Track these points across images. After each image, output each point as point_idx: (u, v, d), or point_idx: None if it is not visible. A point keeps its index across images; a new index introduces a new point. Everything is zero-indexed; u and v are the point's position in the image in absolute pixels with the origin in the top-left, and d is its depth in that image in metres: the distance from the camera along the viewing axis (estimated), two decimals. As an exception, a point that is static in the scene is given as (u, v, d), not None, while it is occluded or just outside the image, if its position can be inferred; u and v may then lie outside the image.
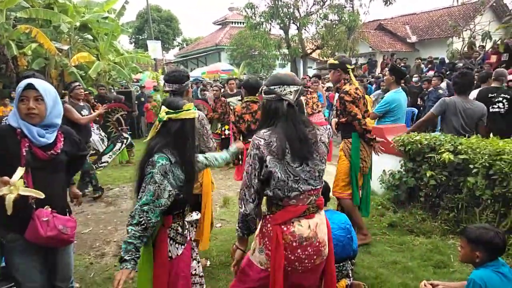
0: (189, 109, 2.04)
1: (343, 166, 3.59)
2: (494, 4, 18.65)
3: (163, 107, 2.05)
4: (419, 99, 8.99)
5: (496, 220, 3.38)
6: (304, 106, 5.44)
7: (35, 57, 10.58)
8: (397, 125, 4.57)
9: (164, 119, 1.98)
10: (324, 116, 10.13)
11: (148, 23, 23.51)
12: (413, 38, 21.08)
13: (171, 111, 2.00)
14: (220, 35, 27.94)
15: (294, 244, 1.73)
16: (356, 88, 3.47)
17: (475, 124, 4.01)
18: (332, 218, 2.61)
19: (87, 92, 6.20)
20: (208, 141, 3.03)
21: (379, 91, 8.73)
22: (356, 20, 17.48)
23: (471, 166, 3.49)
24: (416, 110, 8.65)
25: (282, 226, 1.74)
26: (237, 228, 1.85)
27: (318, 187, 1.82)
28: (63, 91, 11.15)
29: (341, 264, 2.65)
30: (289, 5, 18.32)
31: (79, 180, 5.45)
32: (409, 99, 7.51)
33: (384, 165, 4.45)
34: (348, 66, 3.50)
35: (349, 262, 2.77)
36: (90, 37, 12.77)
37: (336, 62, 3.53)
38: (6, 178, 1.79)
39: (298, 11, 18.68)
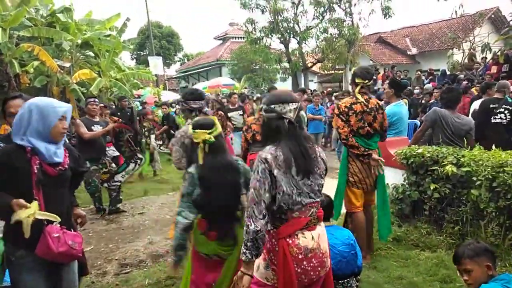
0: (217, 123, 2.33)
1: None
2: (493, 16, 18.84)
3: (199, 131, 2.26)
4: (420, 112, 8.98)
5: (501, 233, 3.33)
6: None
7: (37, 75, 10.70)
8: (399, 138, 4.56)
9: (212, 140, 2.24)
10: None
11: (150, 39, 23.87)
12: (414, 50, 21.25)
13: (212, 130, 2.26)
14: (221, 50, 28.25)
15: (300, 256, 1.75)
16: (354, 103, 3.43)
17: (463, 137, 4.12)
18: (336, 234, 2.58)
19: (101, 105, 6.26)
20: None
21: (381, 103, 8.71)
22: (356, 33, 17.64)
23: (474, 178, 3.46)
24: (418, 122, 8.63)
25: (287, 239, 1.76)
26: (244, 251, 1.71)
27: (318, 199, 1.88)
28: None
29: (346, 280, 2.60)
30: (289, 20, 18.55)
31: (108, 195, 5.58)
32: (411, 111, 7.52)
33: (387, 179, 4.39)
34: (358, 80, 3.46)
35: (354, 278, 2.72)
36: (91, 54, 12.94)
37: (352, 73, 3.63)
38: (22, 201, 1.85)
39: (298, 26, 18.91)
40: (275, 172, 1.72)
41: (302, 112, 2.05)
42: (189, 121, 3.43)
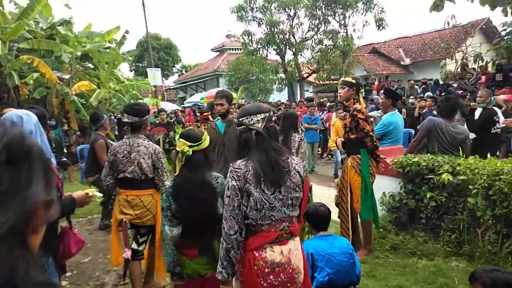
0: (206, 139, 2.26)
1: (358, 182, 3.74)
2: (484, 26, 19.17)
3: (182, 141, 2.20)
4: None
5: (499, 241, 3.37)
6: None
7: (36, 86, 10.77)
8: (395, 147, 4.62)
9: (189, 153, 2.17)
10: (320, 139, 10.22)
11: (148, 51, 24.06)
12: (407, 61, 21.51)
13: (193, 144, 2.19)
14: (218, 61, 28.43)
15: (266, 270, 1.73)
16: (365, 108, 3.74)
17: (458, 146, 4.18)
18: (335, 243, 2.60)
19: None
20: (163, 175, 3.13)
21: (378, 112, 8.75)
22: (350, 44, 17.90)
23: (471, 186, 3.51)
24: (412, 131, 8.72)
25: (254, 252, 1.75)
26: (220, 270, 1.76)
27: (291, 214, 1.84)
28: (63, 119, 11.32)
29: (345, 289, 2.62)
30: (285, 32, 18.82)
31: (102, 208, 5.25)
32: (406, 120, 7.61)
33: (383, 187, 4.46)
34: (361, 88, 3.76)
35: (353, 287, 2.73)
36: (91, 66, 13.05)
37: (353, 81, 3.74)
38: (84, 190, 2.17)
39: (294, 37, 19.17)
40: (246, 187, 1.73)
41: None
42: (125, 136, 3.27)
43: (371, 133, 3.62)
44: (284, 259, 1.77)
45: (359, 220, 3.92)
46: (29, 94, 10.54)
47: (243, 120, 1.84)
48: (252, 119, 1.82)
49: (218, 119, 3.92)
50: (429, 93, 11.27)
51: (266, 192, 1.74)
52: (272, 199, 1.75)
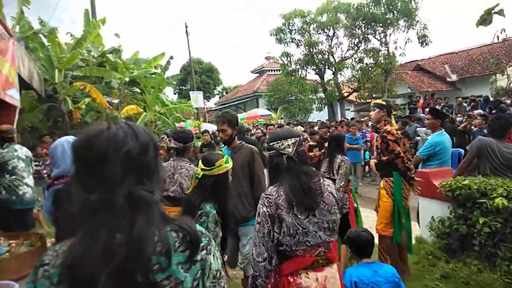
0: (221, 165, 2.23)
1: (387, 204, 3.72)
2: (539, 39, 18.03)
3: (200, 163, 2.27)
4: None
5: None
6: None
7: (88, 111, 11.53)
8: (443, 168, 4.40)
9: (200, 176, 2.20)
10: (365, 158, 9.95)
11: (191, 75, 25.09)
12: (454, 77, 20.64)
13: (206, 168, 2.22)
14: (257, 82, 28.97)
15: None
16: (396, 129, 3.71)
17: None
18: (379, 271, 2.50)
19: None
20: None
21: (428, 130, 8.32)
22: (392, 62, 17.55)
23: (530, 212, 3.24)
24: (462, 151, 8.26)
25: (289, 277, 1.72)
26: None
27: (328, 240, 1.78)
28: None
29: (391, 320, 2.48)
30: (324, 52, 18.85)
31: None
32: (454, 139, 7.25)
33: (431, 211, 4.25)
34: (392, 110, 3.80)
35: (400, 318, 2.59)
36: (138, 90, 13.80)
37: (384, 103, 3.82)
38: None
39: (333, 57, 19.14)
40: (278, 213, 1.70)
41: None
42: (171, 159, 3.48)
43: (402, 155, 3.57)
44: (319, 286, 1.72)
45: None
46: (81, 118, 11.29)
47: (273, 144, 1.85)
48: (283, 144, 1.83)
49: (223, 147, 3.45)
50: (479, 111, 10.69)
51: (299, 216, 1.72)
52: (305, 223, 1.72)
